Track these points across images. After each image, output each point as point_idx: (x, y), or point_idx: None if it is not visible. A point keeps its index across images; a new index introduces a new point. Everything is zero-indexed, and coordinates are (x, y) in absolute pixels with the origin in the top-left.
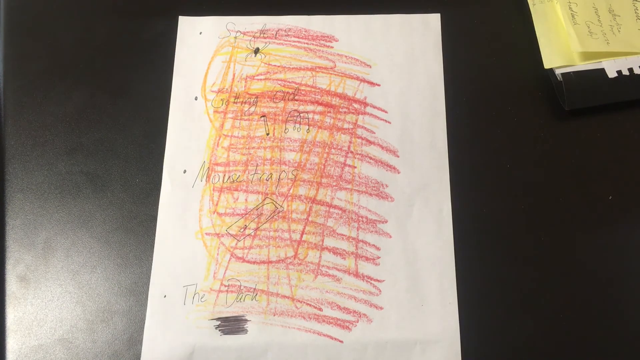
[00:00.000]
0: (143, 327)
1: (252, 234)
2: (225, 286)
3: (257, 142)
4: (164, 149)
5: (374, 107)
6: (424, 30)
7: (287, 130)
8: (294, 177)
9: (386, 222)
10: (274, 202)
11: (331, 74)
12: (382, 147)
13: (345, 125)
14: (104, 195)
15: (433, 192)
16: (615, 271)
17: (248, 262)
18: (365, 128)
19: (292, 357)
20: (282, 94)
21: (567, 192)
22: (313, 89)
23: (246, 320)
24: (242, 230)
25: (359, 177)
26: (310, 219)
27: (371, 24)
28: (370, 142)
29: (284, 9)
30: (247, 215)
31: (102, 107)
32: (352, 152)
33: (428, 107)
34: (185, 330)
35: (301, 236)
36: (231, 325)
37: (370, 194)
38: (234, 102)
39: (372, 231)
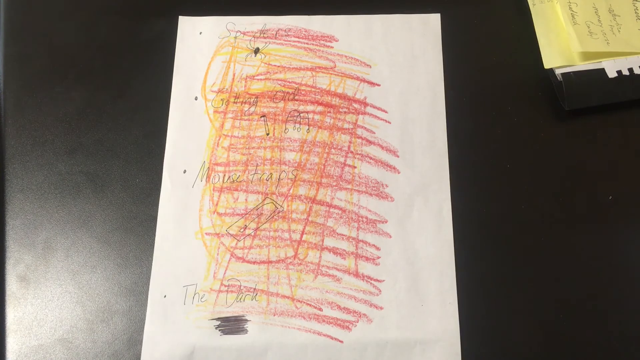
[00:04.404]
0: (143, 327)
1: (252, 234)
2: (225, 286)
3: (257, 142)
4: (164, 149)
5: (374, 107)
6: (424, 30)
7: (287, 130)
8: (294, 177)
9: (386, 222)
10: (274, 202)
11: (331, 74)
12: (382, 147)
13: (345, 125)
14: (104, 195)
15: (433, 192)
16: (616, 271)
17: (248, 262)
18: (365, 128)
19: (292, 357)
20: (282, 94)
21: (567, 192)
22: (313, 89)
23: (246, 320)
24: (242, 230)
25: (359, 177)
26: (310, 219)
27: (371, 24)
28: (370, 142)
29: (284, 9)
30: (247, 215)
31: (102, 107)
32: (352, 152)
33: (428, 107)
34: (185, 330)
35: (301, 236)
36: (231, 325)
37: (370, 194)
38: (234, 102)
39: (372, 231)
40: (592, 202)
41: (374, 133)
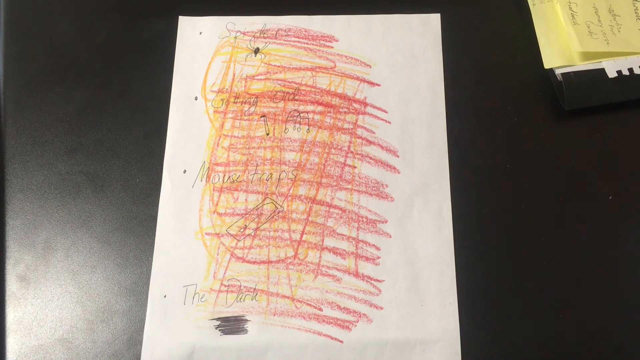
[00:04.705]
0: (143, 327)
1: (252, 234)
2: (225, 286)
3: (257, 142)
4: (164, 149)
5: (374, 107)
6: (424, 30)
7: (287, 130)
8: (294, 177)
9: (386, 222)
10: (274, 202)
11: (331, 74)
12: (382, 147)
13: (345, 125)
14: (104, 195)
15: (433, 192)
16: (615, 271)
17: (248, 262)
18: (365, 128)
19: (292, 357)
20: (282, 94)
21: (567, 192)
22: (313, 89)
23: (246, 320)
24: (242, 230)
25: (359, 177)
26: (310, 219)
27: (371, 24)
28: (370, 142)
29: (284, 9)
30: (247, 215)
31: (102, 107)
32: (352, 152)
33: (428, 107)
34: (185, 330)
35: (301, 236)
36: (231, 325)
37: (370, 194)
38: (234, 102)
39: (372, 231)
40: (592, 202)
41: (374, 133)
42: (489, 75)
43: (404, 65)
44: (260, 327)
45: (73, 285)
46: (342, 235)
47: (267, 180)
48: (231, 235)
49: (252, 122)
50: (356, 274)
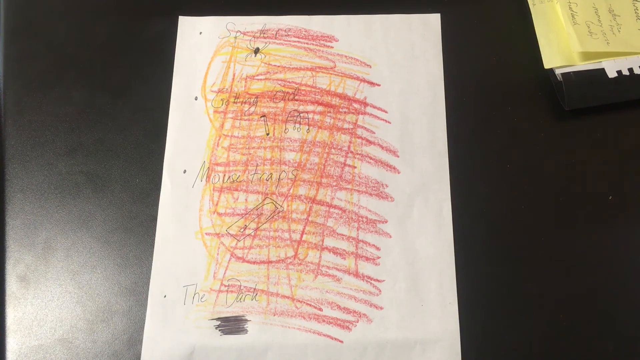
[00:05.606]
0: (143, 327)
1: (252, 234)
2: (225, 286)
3: (257, 142)
4: (164, 149)
5: (374, 107)
6: (424, 30)
7: (287, 130)
8: (294, 177)
9: (386, 222)
10: (274, 202)
11: (331, 74)
12: (382, 147)
13: (345, 125)
14: (104, 195)
15: (433, 192)
16: (615, 271)
17: (248, 262)
18: (365, 128)
19: (292, 357)
20: (282, 94)
21: (567, 192)
22: (313, 89)
23: (246, 320)
24: (242, 230)
25: (359, 177)
26: (310, 219)
27: (371, 24)
28: (370, 142)
29: (284, 9)
30: (247, 215)
31: (102, 107)
32: (352, 152)
33: (428, 107)
34: (185, 330)
35: (301, 236)
36: (231, 325)
37: (370, 194)
38: (234, 102)
39: (372, 231)
40: (592, 202)
41: (374, 133)
42: (489, 75)
43: (404, 65)
44: (260, 327)
45: (73, 285)
46: (342, 235)
47: (267, 180)
48: (231, 235)
49: (252, 122)
50: (356, 274)
